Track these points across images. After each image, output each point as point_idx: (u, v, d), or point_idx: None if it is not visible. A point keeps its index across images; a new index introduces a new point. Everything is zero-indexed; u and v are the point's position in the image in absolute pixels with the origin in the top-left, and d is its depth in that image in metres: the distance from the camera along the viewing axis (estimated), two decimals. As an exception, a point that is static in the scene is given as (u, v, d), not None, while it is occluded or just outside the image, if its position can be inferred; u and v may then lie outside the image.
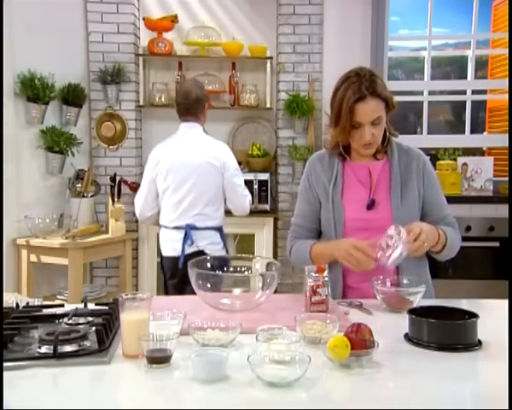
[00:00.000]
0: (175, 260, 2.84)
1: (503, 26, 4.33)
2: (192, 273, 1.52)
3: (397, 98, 4.41)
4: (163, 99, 4.08)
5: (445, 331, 1.34)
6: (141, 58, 4.00)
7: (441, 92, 4.64)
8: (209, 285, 1.53)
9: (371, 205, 1.81)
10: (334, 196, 1.83)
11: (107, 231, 3.69)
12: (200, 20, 4.12)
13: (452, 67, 4.96)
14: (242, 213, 3.04)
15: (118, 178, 3.71)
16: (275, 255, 4.17)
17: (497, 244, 3.69)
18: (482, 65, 4.65)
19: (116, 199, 3.64)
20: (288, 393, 1.11)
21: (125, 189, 3.92)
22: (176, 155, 2.89)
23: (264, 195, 3.99)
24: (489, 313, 1.60)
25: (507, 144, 3.95)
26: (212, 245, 2.85)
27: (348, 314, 1.56)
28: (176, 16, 3.97)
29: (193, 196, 2.83)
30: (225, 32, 4.17)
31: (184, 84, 3.12)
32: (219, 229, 2.92)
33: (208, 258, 1.66)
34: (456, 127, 4.70)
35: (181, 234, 2.81)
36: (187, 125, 2.95)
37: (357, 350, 1.22)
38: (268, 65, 4.08)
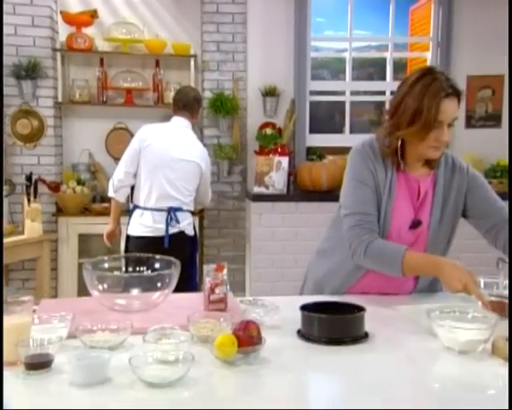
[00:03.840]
0: (156, 239, 2.96)
1: (420, 30, 4.52)
2: (87, 275, 1.49)
3: (320, 98, 4.52)
4: (84, 96, 3.97)
5: (334, 325, 1.37)
6: (58, 53, 3.87)
7: (365, 93, 4.77)
8: (106, 286, 1.50)
9: (416, 225, 1.73)
10: (387, 206, 1.71)
11: (23, 232, 3.56)
12: (122, 15, 4.04)
13: (375, 69, 5.11)
14: (204, 205, 3.70)
15: (34, 177, 3.59)
16: (201, 254, 4.15)
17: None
18: (402, 67, 4.83)
19: (32, 199, 3.52)
20: (170, 392, 1.10)
21: (43, 188, 3.79)
22: (166, 144, 3.04)
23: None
24: (376, 307, 1.65)
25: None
26: (189, 226, 3.12)
27: (246, 312, 1.56)
28: (95, 11, 3.88)
29: (178, 187, 3.04)
30: (149, 29, 4.11)
31: (185, 87, 3.48)
32: (192, 213, 3.23)
33: (106, 258, 1.63)
34: (380, 126, 4.83)
35: (163, 216, 2.99)
36: (180, 119, 3.15)
37: (245, 347, 1.23)
38: (192, 63, 4.06)
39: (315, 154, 4.17)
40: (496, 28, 4.07)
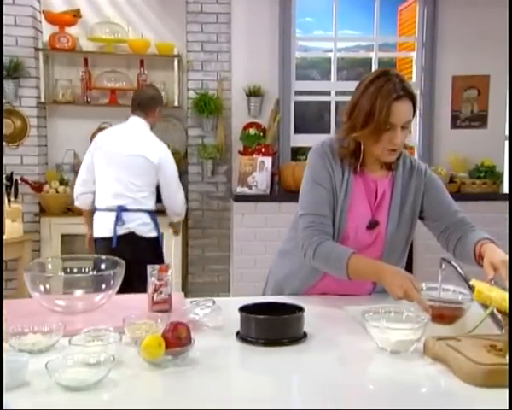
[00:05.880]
0: (108, 240, 2.95)
1: (408, 30, 4.48)
2: (26, 276, 1.48)
3: (305, 98, 4.49)
4: (67, 96, 3.97)
5: (271, 326, 1.35)
6: (41, 53, 3.87)
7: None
8: (48, 287, 1.49)
9: (372, 226, 1.71)
10: (343, 205, 1.69)
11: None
12: (106, 15, 4.03)
13: (365, 69, 5.09)
14: (178, 214, 3.26)
15: (15, 177, 3.59)
16: (185, 255, 4.15)
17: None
18: (392, 66, 4.79)
19: (13, 199, 3.52)
20: (88, 395, 1.08)
21: (26, 188, 3.80)
22: (116, 143, 3.03)
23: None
24: (326, 308, 1.64)
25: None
26: (142, 226, 2.99)
27: (191, 313, 1.54)
28: (78, 10, 3.87)
29: (126, 184, 2.97)
30: (134, 29, 4.10)
31: (146, 86, 3.48)
32: (150, 212, 3.05)
33: (50, 259, 1.62)
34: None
35: (113, 216, 2.95)
36: (135, 118, 3.10)
37: (173, 349, 1.22)
38: (175, 63, 4.04)
39: (304, 154, 4.15)
40: (481, 29, 4.04)
